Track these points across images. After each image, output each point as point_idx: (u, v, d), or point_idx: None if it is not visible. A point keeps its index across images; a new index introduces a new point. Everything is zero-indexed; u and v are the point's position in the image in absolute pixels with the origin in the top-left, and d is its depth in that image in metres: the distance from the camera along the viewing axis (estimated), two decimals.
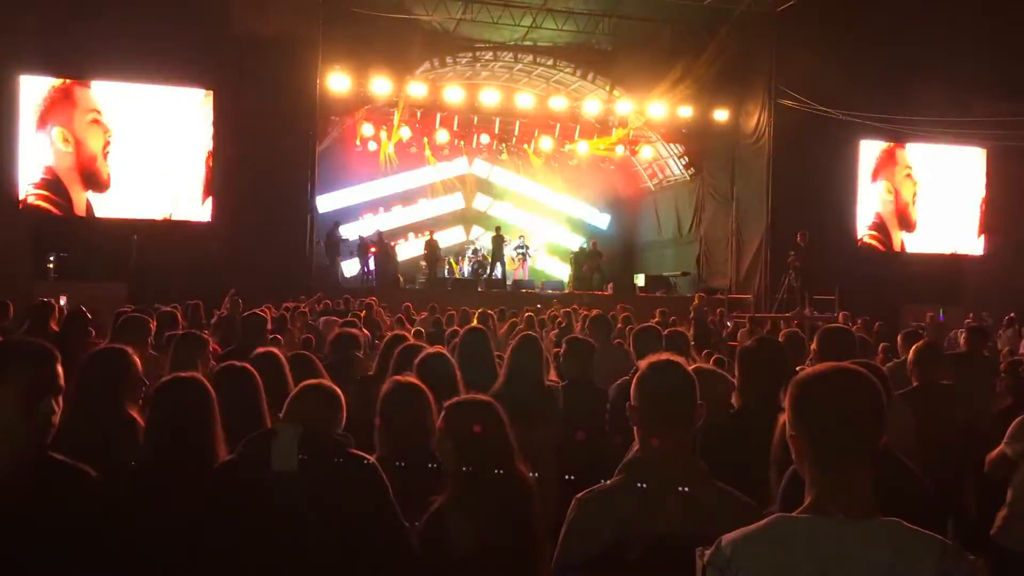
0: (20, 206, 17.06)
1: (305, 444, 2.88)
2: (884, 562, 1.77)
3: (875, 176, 21.88)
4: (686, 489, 2.37)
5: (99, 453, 3.00)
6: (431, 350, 4.66)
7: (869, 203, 21.88)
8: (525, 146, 25.09)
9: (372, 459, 3.05)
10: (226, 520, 2.84)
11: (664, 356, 2.60)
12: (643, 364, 2.57)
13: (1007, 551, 4.19)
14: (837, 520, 1.83)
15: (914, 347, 5.61)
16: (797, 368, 5.25)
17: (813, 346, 5.30)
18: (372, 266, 21.86)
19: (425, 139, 23.86)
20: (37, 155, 17.30)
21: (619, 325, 9.68)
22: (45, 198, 17.34)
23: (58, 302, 10.48)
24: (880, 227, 21.94)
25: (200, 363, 4.78)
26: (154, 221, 17.80)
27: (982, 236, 22.58)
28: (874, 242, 21.86)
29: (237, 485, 2.87)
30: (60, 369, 2.45)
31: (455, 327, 9.16)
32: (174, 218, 18.03)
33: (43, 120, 17.27)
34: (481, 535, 2.88)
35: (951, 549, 1.79)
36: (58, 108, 17.39)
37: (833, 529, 1.82)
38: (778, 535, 1.86)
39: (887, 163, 22.03)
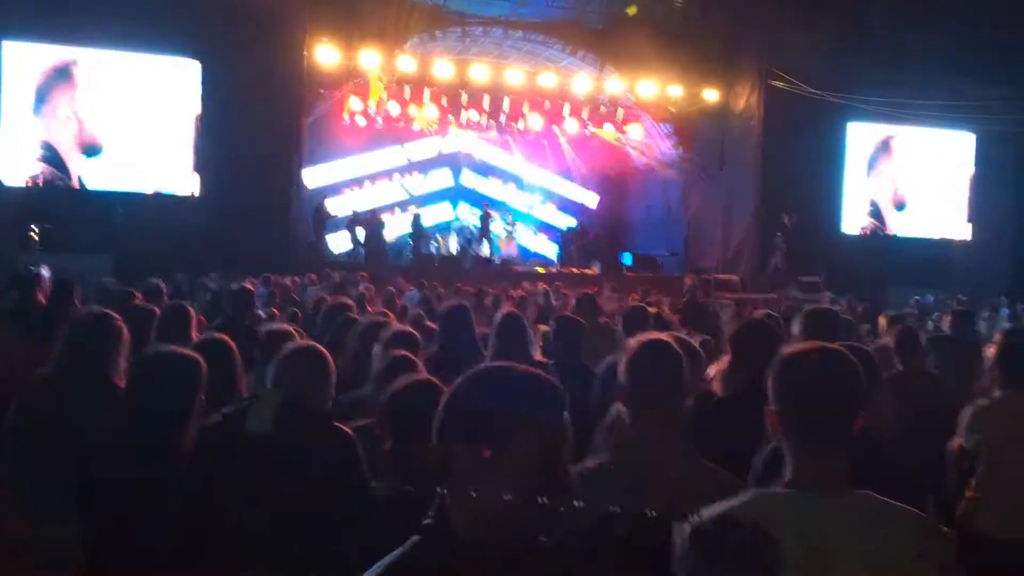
0: (28, 183, 16.96)
1: (283, 410, 2.95)
2: (863, 536, 1.79)
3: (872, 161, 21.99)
4: (680, 473, 2.39)
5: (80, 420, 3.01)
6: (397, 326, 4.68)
7: (862, 187, 21.98)
8: (513, 123, 24.99)
9: (350, 432, 3.09)
10: (202, 473, 2.90)
11: (654, 334, 2.60)
12: (633, 342, 2.57)
13: (972, 534, 4.25)
14: (812, 494, 1.85)
15: (895, 332, 5.65)
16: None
17: (797, 328, 5.33)
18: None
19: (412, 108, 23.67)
20: (35, 130, 17.20)
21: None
22: (50, 173, 17.27)
23: (42, 272, 10.37)
24: (875, 212, 22.07)
25: (183, 335, 4.76)
26: (140, 193, 17.67)
27: (970, 220, 22.69)
28: (868, 228, 22.00)
29: (215, 442, 2.96)
30: None
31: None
32: (163, 192, 17.91)
33: (44, 95, 17.19)
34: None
35: (929, 525, 1.81)
36: (59, 83, 17.30)
37: (810, 503, 1.85)
38: (755, 510, 1.88)
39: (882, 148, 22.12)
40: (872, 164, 22.20)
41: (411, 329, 4.66)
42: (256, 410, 2.96)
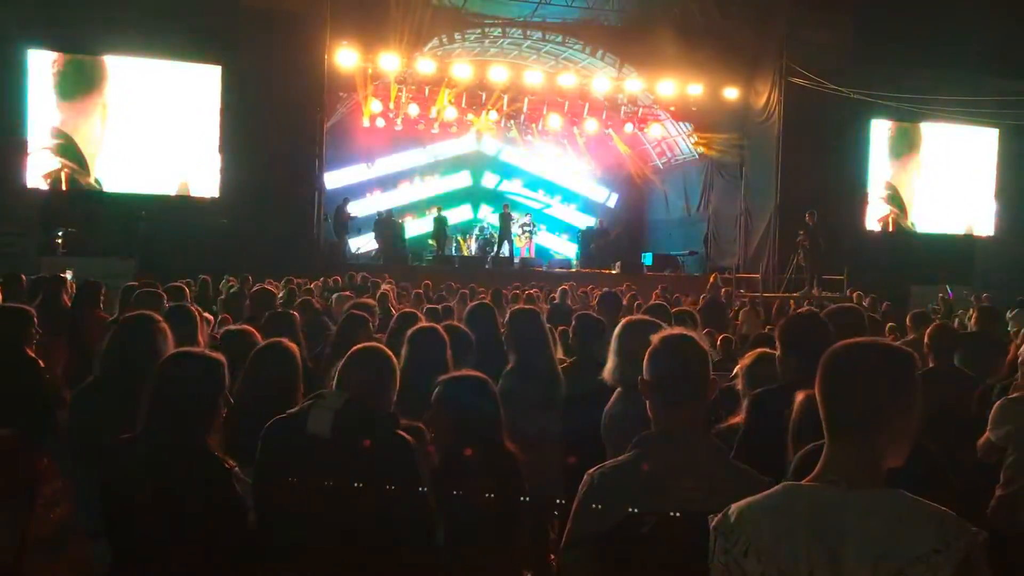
0: (46, 179, 17.15)
1: (344, 412, 2.94)
2: (880, 531, 1.79)
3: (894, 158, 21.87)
4: (698, 465, 2.38)
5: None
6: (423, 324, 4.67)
7: (885, 184, 21.85)
8: (533, 124, 25.00)
9: (409, 439, 3.06)
10: (267, 467, 2.98)
11: (677, 330, 2.59)
12: (655, 338, 2.56)
13: (998, 532, 4.22)
14: (840, 488, 1.85)
15: (928, 329, 5.62)
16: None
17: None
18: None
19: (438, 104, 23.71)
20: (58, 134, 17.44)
21: (625, 302, 9.64)
22: (70, 172, 17.47)
23: (65, 276, 10.49)
24: (898, 209, 21.93)
25: (195, 335, 4.78)
26: (163, 196, 17.83)
27: (994, 216, 22.47)
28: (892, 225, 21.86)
29: (280, 438, 3.00)
30: None
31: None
32: (188, 192, 18.05)
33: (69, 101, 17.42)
34: (469, 511, 2.97)
35: (951, 520, 1.79)
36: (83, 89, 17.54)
37: (834, 497, 1.85)
38: (781, 502, 1.90)
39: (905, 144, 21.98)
40: (894, 160, 22.02)
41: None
42: (316, 411, 2.95)
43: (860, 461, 1.88)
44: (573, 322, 5.25)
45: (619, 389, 3.82)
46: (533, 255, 24.69)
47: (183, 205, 17.94)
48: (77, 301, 7.03)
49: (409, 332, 4.31)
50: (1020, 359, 4.60)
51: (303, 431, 2.92)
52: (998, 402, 4.45)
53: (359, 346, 3.28)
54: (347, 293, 10.86)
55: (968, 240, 22.14)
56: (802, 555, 1.82)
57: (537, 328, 4.89)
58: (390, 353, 3.26)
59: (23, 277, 8.80)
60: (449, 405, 3.18)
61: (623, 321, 4.05)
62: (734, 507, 1.94)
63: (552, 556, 3.42)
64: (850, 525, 1.81)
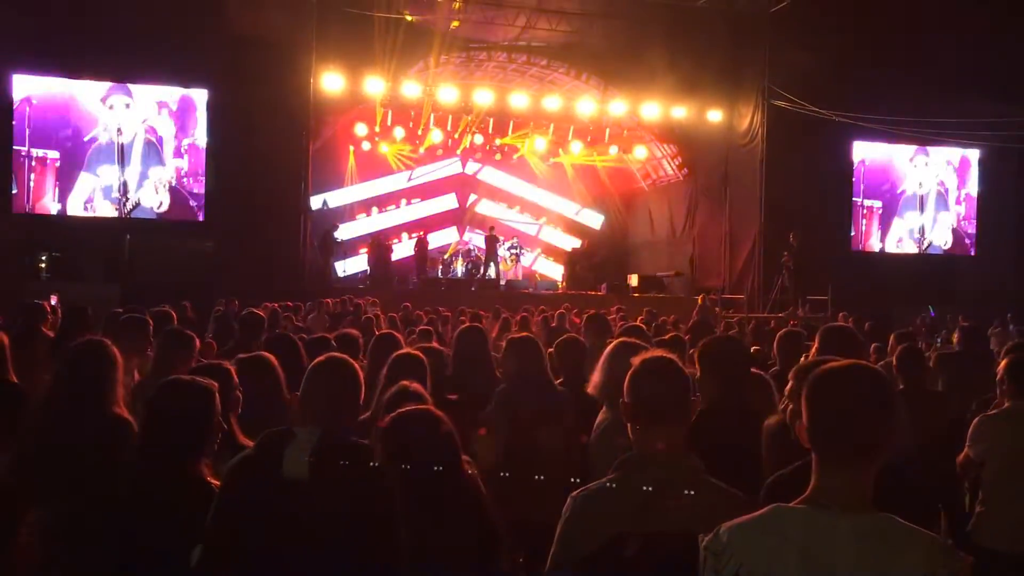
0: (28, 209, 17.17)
1: (322, 449, 2.81)
2: (871, 557, 1.79)
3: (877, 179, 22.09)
4: (690, 492, 2.39)
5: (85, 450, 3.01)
6: (406, 350, 4.66)
7: (868, 205, 22.05)
8: (519, 144, 25.10)
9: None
10: (233, 516, 2.81)
11: (657, 352, 2.61)
12: (635, 361, 2.58)
13: (981, 548, 4.26)
14: (830, 512, 1.86)
15: (897, 351, 5.66)
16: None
17: (814, 345, 5.33)
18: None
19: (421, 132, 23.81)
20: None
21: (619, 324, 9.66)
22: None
23: (49, 302, 10.44)
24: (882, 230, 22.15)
25: (184, 361, 4.77)
26: (148, 220, 17.80)
27: (974, 236, 22.69)
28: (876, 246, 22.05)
29: (249, 483, 2.84)
30: None
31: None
32: (170, 217, 18.04)
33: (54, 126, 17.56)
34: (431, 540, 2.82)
35: (941, 546, 1.80)
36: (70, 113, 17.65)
37: (824, 521, 1.86)
38: (772, 524, 1.91)
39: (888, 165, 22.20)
40: (877, 182, 22.21)
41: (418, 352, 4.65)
42: (291, 452, 2.80)
43: (852, 485, 1.89)
44: (555, 346, 5.26)
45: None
46: (520, 277, 24.70)
47: (168, 229, 17.90)
48: (64, 327, 6.97)
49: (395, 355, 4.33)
50: (998, 376, 4.63)
51: (276, 473, 2.78)
52: (976, 419, 4.49)
53: (320, 360, 3.09)
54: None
55: (950, 260, 22.33)
56: None
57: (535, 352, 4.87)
58: (352, 362, 3.10)
59: None
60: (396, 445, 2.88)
61: (616, 342, 4.09)
62: (724, 527, 1.94)
63: None
64: (841, 550, 1.81)
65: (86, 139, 17.66)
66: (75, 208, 17.51)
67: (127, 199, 17.72)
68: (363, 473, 2.86)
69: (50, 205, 17.42)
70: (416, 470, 2.82)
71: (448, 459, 2.86)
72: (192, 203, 18.26)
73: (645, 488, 2.39)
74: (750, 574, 1.87)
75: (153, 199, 17.94)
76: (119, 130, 17.77)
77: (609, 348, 4.02)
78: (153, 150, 18.05)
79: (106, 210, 17.61)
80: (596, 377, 3.92)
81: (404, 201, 26.12)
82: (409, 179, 25.92)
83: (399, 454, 2.80)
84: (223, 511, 2.82)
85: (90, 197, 17.61)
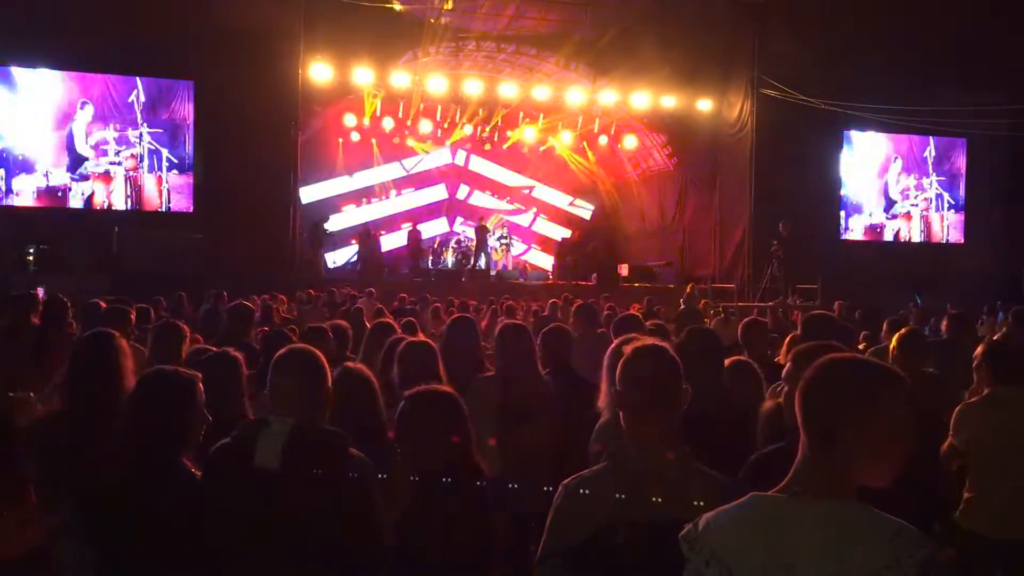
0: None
1: (295, 439, 2.81)
2: (833, 545, 1.78)
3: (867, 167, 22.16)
4: (682, 479, 2.40)
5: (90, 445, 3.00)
6: (412, 339, 4.65)
7: (858, 193, 22.13)
8: (509, 133, 25.07)
9: (366, 459, 2.95)
10: (211, 505, 2.84)
11: (649, 341, 2.61)
12: (627, 349, 2.57)
13: (968, 532, 4.29)
14: (801, 499, 1.86)
15: (896, 336, 5.65)
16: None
17: (797, 331, 5.35)
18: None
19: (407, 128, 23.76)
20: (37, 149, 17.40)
21: (604, 314, 9.66)
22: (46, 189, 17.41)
23: (36, 294, 10.38)
24: (872, 218, 22.22)
25: (177, 353, 4.76)
26: (137, 212, 17.74)
27: (962, 224, 22.80)
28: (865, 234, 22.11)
29: (224, 472, 2.86)
30: None
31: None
32: (160, 210, 18.00)
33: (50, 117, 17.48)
34: (437, 539, 2.86)
35: (910, 536, 1.77)
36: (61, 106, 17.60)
37: (794, 508, 1.85)
38: (745, 512, 1.91)
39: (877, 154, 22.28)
40: (867, 170, 22.28)
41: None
42: (263, 441, 2.80)
43: (823, 471, 1.87)
44: (540, 335, 5.23)
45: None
46: (510, 267, 24.70)
47: (157, 221, 17.84)
48: (43, 319, 6.95)
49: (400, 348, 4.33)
50: (975, 363, 4.64)
51: (250, 462, 2.79)
52: (958, 407, 4.50)
53: (286, 349, 3.08)
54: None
55: (939, 248, 22.43)
56: (757, 567, 1.83)
57: (526, 341, 4.86)
58: (318, 353, 3.07)
59: None
60: (418, 423, 2.97)
61: (617, 340, 4.08)
62: (703, 517, 1.95)
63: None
64: (805, 538, 1.80)
65: (71, 130, 17.57)
66: (62, 200, 17.48)
67: (112, 191, 17.69)
68: (337, 462, 2.86)
69: (34, 197, 17.41)
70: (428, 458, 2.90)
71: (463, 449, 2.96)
72: (181, 194, 18.20)
73: (636, 476, 2.39)
74: (720, 562, 1.87)
75: (141, 196, 17.90)
76: (104, 120, 17.68)
77: (611, 348, 3.99)
78: (142, 141, 17.98)
79: (94, 197, 17.57)
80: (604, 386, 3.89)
81: (394, 192, 26.09)
82: (408, 170, 25.92)
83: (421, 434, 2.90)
84: (201, 501, 2.84)
85: (67, 186, 17.56)
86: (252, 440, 2.82)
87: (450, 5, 19.67)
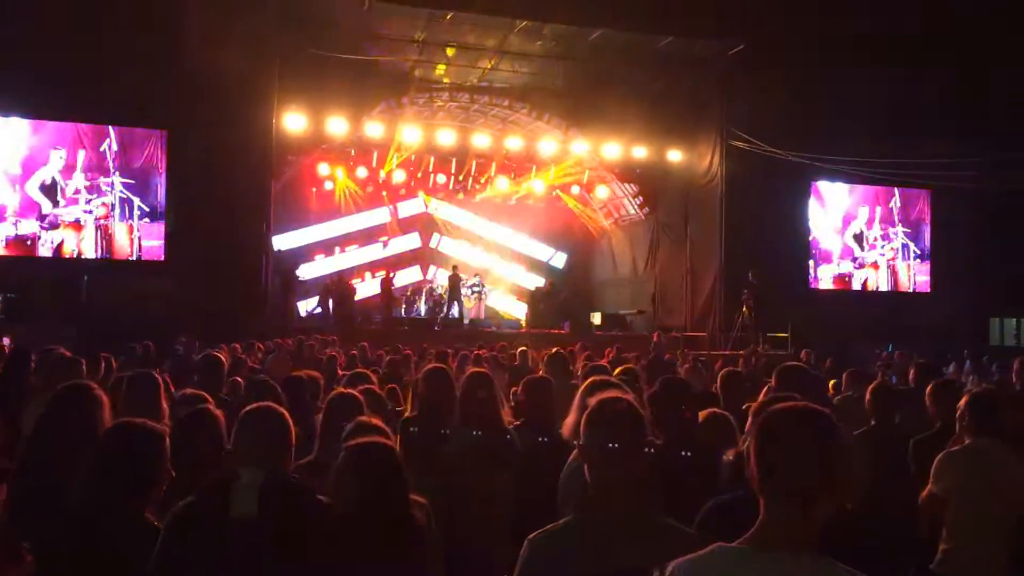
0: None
1: (269, 488, 2.85)
2: None
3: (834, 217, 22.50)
4: (646, 532, 2.41)
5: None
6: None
7: (826, 243, 22.45)
8: (477, 185, 25.25)
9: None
10: (179, 562, 2.80)
11: (611, 393, 2.63)
12: (591, 401, 2.60)
13: None
14: (767, 553, 1.89)
15: (870, 388, 5.75)
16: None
17: (771, 382, 5.41)
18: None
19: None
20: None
21: (580, 363, 9.61)
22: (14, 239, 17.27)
23: (1, 343, 10.27)
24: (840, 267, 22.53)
25: (155, 404, 4.71)
26: (107, 260, 17.62)
27: (929, 273, 23.16)
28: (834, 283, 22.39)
29: (195, 529, 2.83)
30: None
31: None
32: (131, 258, 17.89)
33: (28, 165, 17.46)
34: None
35: None
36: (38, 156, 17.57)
37: (761, 562, 1.88)
38: (711, 563, 1.94)
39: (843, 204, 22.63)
40: (835, 220, 22.63)
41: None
42: (238, 491, 2.83)
43: (790, 527, 1.91)
44: (521, 385, 5.26)
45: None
46: (483, 316, 24.70)
47: (128, 268, 17.71)
48: (6, 370, 6.88)
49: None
50: (958, 413, 4.70)
51: (223, 515, 2.80)
52: (939, 455, 4.55)
53: (253, 407, 3.15)
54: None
55: (907, 297, 22.75)
56: None
57: (489, 388, 4.88)
58: (281, 409, 3.15)
59: None
60: (355, 474, 2.94)
61: (588, 381, 4.12)
62: (672, 564, 1.97)
63: None
64: None
65: (42, 178, 17.51)
66: (31, 249, 17.36)
67: (83, 239, 17.60)
68: (310, 509, 2.90)
69: (3, 245, 17.28)
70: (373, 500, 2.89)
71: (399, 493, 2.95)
72: (153, 242, 18.12)
73: (601, 528, 2.40)
74: None
75: (112, 244, 17.82)
76: (75, 169, 17.64)
77: (583, 388, 4.04)
78: (114, 189, 17.93)
79: (64, 246, 17.47)
80: (570, 418, 3.93)
81: (367, 240, 26.12)
82: (393, 213, 26.04)
83: (357, 480, 2.87)
84: (168, 557, 2.80)
85: (36, 235, 17.46)
86: (224, 493, 2.83)
87: (450, 54, 19.97)
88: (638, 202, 24.70)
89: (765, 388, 5.49)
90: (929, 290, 23.06)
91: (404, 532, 2.92)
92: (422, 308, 24.40)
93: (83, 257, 17.60)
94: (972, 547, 4.30)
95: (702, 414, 4.29)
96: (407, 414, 5.49)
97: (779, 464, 1.95)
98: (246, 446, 3.00)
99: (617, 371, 5.98)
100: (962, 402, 4.67)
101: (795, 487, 1.92)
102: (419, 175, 24.30)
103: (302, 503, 2.92)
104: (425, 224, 27.05)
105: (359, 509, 2.88)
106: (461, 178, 24.79)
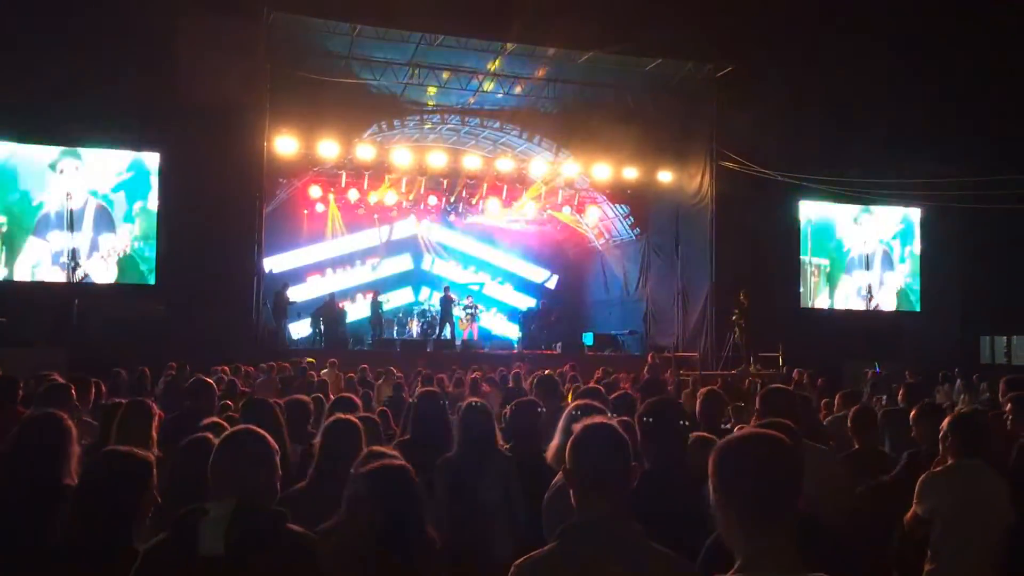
0: None
1: (237, 522, 2.69)
2: None
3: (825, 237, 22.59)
4: (632, 558, 2.41)
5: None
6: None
7: (817, 263, 22.53)
8: (469, 206, 25.30)
9: (308, 535, 2.88)
10: None
11: (597, 419, 2.64)
12: (575, 427, 2.60)
13: None
14: None
15: (851, 411, 5.78)
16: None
17: (756, 405, 5.41)
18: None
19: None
20: None
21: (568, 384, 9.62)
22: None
23: None
24: (831, 288, 22.60)
25: (143, 431, 4.70)
26: (97, 285, 17.55)
27: (919, 293, 23.24)
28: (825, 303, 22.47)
29: (163, 568, 2.69)
30: None
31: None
32: (119, 282, 17.83)
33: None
34: None
35: None
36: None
37: None
38: None
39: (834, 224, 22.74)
40: (824, 241, 22.72)
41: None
42: (206, 529, 2.66)
43: (777, 552, 1.92)
44: (509, 408, 5.26)
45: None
46: (476, 337, 24.69)
47: (118, 293, 17.65)
48: None
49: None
50: (941, 433, 4.71)
51: (191, 553, 2.65)
52: (923, 476, 4.56)
53: (231, 432, 3.02)
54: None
55: (896, 317, 22.80)
56: None
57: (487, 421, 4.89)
58: (264, 434, 2.99)
59: None
60: (372, 504, 2.92)
61: (572, 405, 4.13)
62: None
63: None
64: None
65: (35, 204, 17.48)
66: (22, 273, 17.27)
67: (77, 265, 17.51)
68: (282, 542, 2.78)
69: None
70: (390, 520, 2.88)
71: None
72: (143, 267, 18.07)
73: (587, 555, 2.40)
74: None
75: (103, 271, 17.75)
76: (68, 195, 17.60)
77: (567, 411, 4.04)
78: (104, 215, 17.89)
79: (55, 276, 17.39)
80: (555, 441, 3.93)
81: (359, 262, 26.12)
82: (384, 237, 26.05)
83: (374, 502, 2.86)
84: None
85: (38, 262, 17.40)
86: (193, 529, 2.70)
87: (433, 91, 20.13)
88: (629, 223, 24.78)
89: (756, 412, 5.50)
90: (919, 309, 23.13)
91: (425, 556, 2.92)
92: (414, 330, 24.38)
93: (73, 281, 17.52)
94: (956, 568, 4.31)
95: (692, 436, 4.29)
96: (398, 438, 5.48)
97: (741, 495, 1.98)
98: (216, 476, 2.84)
99: (613, 396, 5.98)
100: (945, 423, 4.69)
101: (764, 512, 1.94)
102: (411, 196, 24.34)
103: (276, 538, 2.77)
104: (416, 245, 27.06)
105: (380, 533, 2.84)
106: (453, 199, 24.83)
